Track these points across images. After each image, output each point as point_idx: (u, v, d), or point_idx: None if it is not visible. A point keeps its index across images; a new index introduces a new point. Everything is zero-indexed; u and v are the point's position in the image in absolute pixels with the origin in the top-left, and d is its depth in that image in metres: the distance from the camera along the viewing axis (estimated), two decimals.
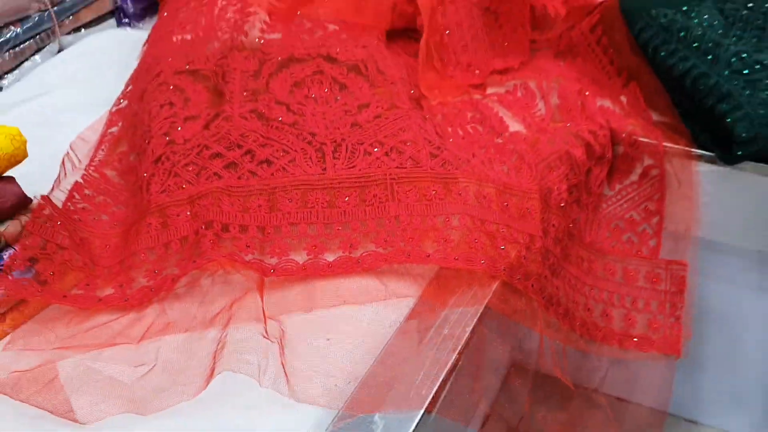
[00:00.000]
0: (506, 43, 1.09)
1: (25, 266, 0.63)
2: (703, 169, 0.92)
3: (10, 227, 0.65)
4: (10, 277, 0.62)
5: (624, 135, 0.93)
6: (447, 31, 1.04)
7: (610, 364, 0.91)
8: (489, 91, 1.01)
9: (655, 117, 0.97)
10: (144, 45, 1.10)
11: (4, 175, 0.66)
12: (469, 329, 0.64)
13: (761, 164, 0.89)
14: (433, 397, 0.58)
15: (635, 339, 0.88)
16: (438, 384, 0.59)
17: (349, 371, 0.59)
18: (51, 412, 0.54)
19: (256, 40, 0.95)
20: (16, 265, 0.62)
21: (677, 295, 0.90)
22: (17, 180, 0.67)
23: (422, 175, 0.72)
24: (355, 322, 0.63)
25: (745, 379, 1.09)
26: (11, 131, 0.66)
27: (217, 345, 0.59)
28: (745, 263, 0.98)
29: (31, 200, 0.68)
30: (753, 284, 1.00)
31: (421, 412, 0.57)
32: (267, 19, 1.00)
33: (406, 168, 0.72)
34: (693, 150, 0.93)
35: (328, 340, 0.61)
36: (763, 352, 1.05)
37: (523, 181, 0.77)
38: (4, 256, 0.64)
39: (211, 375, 0.56)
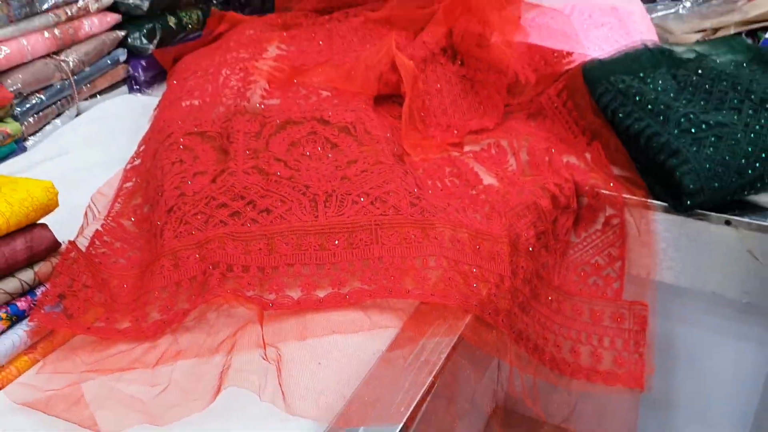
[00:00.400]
0: (482, 107, 1.20)
1: (54, 302, 0.72)
2: (660, 218, 1.02)
3: (43, 268, 0.74)
4: (42, 311, 0.71)
5: (587, 188, 1.03)
6: (428, 96, 1.16)
7: (578, 397, 0.99)
8: (466, 149, 1.12)
9: (616, 171, 1.07)
10: (155, 110, 1.21)
11: (38, 222, 0.75)
12: (443, 356, 0.73)
13: (711, 213, 0.99)
14: (411, 414, 0.67)
15: (602, 374, 0.96)
16: (415, 403, 0.67)
17: (338, 390, 0.67)
18: (79, 425, 0.63)
19: (257, 105, 1.06)
20: (47, 300, 0.72)
21: (640, 333, 0.98)
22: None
23: (403, 221, 0.82)
24: (343, 349, 0.71)
25: (711, 415, 1.16)
26: (45, 184, 0.75)
27: (223, 367, 0.67)
28: (701, 304, 1.07)
29: (60, 244, 0.77)
30: (710, 324, 1.09)
31: (400, 426, 0.65)
32: (267, 86, 1.12)
33: (388, 215, 0.82)
34: (650, 201, 1.02)
35: (320, 363, 0.69)
36: (725, 388, 1.13)
37: (493, 227, 0.86)
38: (38, 293, 0.73)
39: (218, 391, 0.65)
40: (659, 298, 1.02)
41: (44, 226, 0.75)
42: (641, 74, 1.13)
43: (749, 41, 1.50)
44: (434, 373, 0.71)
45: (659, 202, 1.02)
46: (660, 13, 1.63)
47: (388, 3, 1.37)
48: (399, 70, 1.12)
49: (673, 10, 1.65)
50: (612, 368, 0.96)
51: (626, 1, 1.54)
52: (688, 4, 1.65)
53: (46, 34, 1.18)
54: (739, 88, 1.07)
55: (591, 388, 0.95)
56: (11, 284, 0.71)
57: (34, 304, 0.72)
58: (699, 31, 1.58)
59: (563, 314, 0.95)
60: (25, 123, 1.16)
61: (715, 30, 1.57)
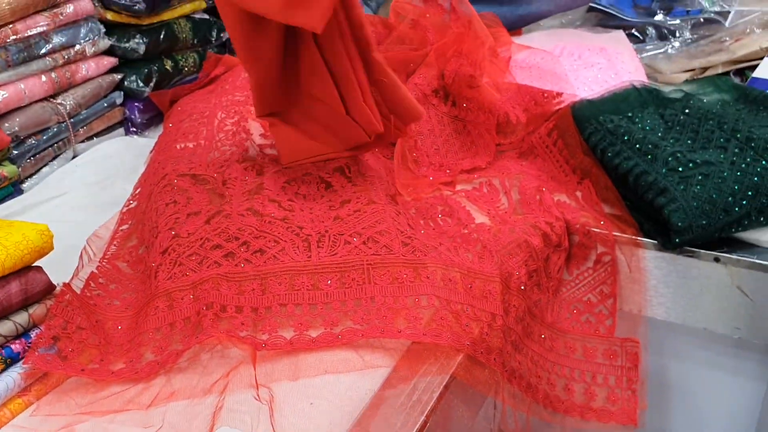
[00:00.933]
0: (474, 147, 1.22)
1: (49, 344, 0.72)
2: (650, 255, 1.03)
3: (38, 310, 0.75)
4: (36, 353, 0.71)
5: (578, 226, 1.05)
6: (420, 137, 1.18)
7: None
8: (458, 188, 1.14)
9: (606, 209, 1.09)
10: (151, 152, 1.23)
11: (33, 264, 0.76)
12: (436, 395, 0.73)
13: (699, 250, 1.00)
14: None
15: (596, 411, 0.96)
16: None
17: (330, 431, 0.67)
18: None
19: (253, 148, 1.08)
20: (41, 342, 0.72)
21: (632, 370, 0.99)
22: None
23: (395, 260, 0.83)
24: (335, 389, 0.72)
25: None
26: (40, 227, 0.76)
27: (216, 407, 0.67)
28: (693, 340, 1.08)
29: (54, 287, 0.78)
30: (704, 360, 1.09)
31: None
32: (262, 130, 1.13)
33: (380, 255, 0.83)
34: (640, 238, 1.04)
35: (312, 404, 0.70)
36: (719, 424, 1.13)
37: (485, 266, 0.87)
38: (32, 335, 0.73)
39: (211, 430, 0.65)
40: (651, 334, 1.03)
41: (39, 268, 0.76)
42: (629, 114, 1.15)
43: (737, 80, 1.54)
44: (426, 412, 0.71)
45: (649, 240, 1.03)
46: (649, 53, 1.66)
47: (380, 45, 1.39)
48: None
49: (662, 50, 1.68)
50: (605, 405, 0.96)
51: (615, 41, 1.58)
52: (677, 44, 1.68)
53: (44, 78, 1.20)
54: (725, 127, 1.10)
55: (585, 425, 0.95)
56: (6, 327, 0.71)
57: (28, 347, 0.72)
58: (687, 71, 1.61)
59: (556, 352, 0.95)
60: (22, 165, 1.17)
61: (704, 69, 1.60)
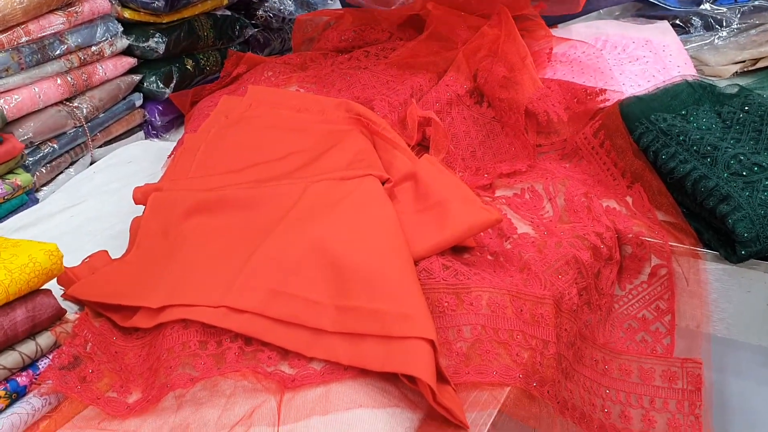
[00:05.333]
0: (513, 148, 1.14)
1: (69, 362, 0.67)
2: (711, 267, 0.95)
3: (46, 339, 0.68)
4: (56, 371, 0.66)
5: (631, 235, 0.96)
6: (454, 140, 1.10)
7: None
8: (497, 193, 1.06)
9: (660, 217, 1.00)
10: (170, 155, 1.17)
11: (42, 288, 0.70)
12: None
13: (766, 262, 0.91)
14: None
15: None
16: None
17: None
18: None
19: None
20: (61, 360, 0.67)
21: (695, 393, 0.90)
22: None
23: (435, 285, 0.75)
24: (370, 426, 0.64)
25: None
26: (49, 247, 0.70)
27: None
28: (758, 358, 0.99)
29: (65, 311, 0.72)
30: (766, 379, 1.01)
31: None
32: None
33: (420, 279, 0.75)
34: (699, 249, 0.95)
35: None
36: None
37: (534, 287, 0.79)
38: (40, 366, 0.67)
39: None
40: (715, 353, 0.94)
41: (48, 292, 0.70)
42: (683, 112, 1.06)
43: None
44: None
45: (709, 251, 0.95)
46: (694, 45, 1.56)
47: (408, 44, 1.32)
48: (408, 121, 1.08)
49: (708, 41, 1.58)
50: None
51: (660, 33, 1.48)
52: (724, 34, 1.58)
53: (59, 80, 1.15)
54: None
55: None
56: (11, 358, 0.65)
57: (35, 380, 0.66)
58: (737, 63, 1.51)
59: (610, 376, 0.87)
60: (37, 173, 1.12)
61: (755, 61, 1.50)
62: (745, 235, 0.88)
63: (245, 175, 0.96)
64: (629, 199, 1.03)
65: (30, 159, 1.10)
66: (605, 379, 0.87)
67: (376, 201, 0.84)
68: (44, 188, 1.14)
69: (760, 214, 0.89)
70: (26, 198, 1.09)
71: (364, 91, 1.19)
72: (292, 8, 1.60)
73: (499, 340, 0.73)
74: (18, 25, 1.08)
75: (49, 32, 1.12)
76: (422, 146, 1.11)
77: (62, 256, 0.71)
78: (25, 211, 1.07)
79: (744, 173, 0.93)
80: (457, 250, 0.86)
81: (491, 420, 0.67)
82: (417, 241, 0.80)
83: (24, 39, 1.08)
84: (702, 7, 1.61)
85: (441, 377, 0.67)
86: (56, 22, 1.13)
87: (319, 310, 0.72)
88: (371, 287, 0.71)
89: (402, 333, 0.67)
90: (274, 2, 1.58)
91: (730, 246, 0.91)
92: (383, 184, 0.90)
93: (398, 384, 0.69)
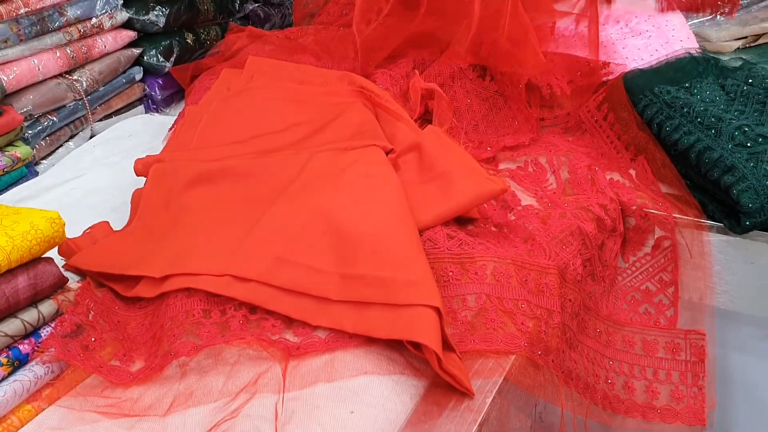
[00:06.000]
0: (516, 122, 1.13)
1: (71, 330, 0.67)
2: (714, 239, 0.95)
3: (48, 306, 0.68)
4: (58, 338, 0.65)
5: (634, 207, 0.96)
6: (457, 113, 1.09)
7: None
8: (501, 166, 1.05)
9: (663, 189, 1.00)
10: (171, 128, 1.16)
11: (43, 256, 0.69)
12: (488, 401, 0.66)
13: None
14: None
15: (659, 410, 0.88)
16: None
17: None
18: None
19: None
20: (63, 328, 0.67)
21: (698, 365, 0.90)
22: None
23: (440, 255, 0.75)
24: (376, 393, 0.64)
25: None
26: (51, 215, 0.69)
27: (238, 416, 0.61)
28: (761, 331, 0.99)
29: (67, 280, 0.71)
30: None
31: None
32: None
33: (425, 249, 0.75)
34: (703, 221, 0.95)
35: (352, 413, 0.62)
36: None
37: (539, 257, 0.79)
38: (42, 334, 0.67)
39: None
40: (717, 326, 0.94)
41: (49, 260, 0.69)
42: (687, 84, 1.06)
43: None
44: (479, 420, 0.64)
45: (713, 222, 0.94)
46: (697, 20, 1.55)
47: (410, 15, 1.30)
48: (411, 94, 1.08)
49: (710, 17, 1.57)
50: (669, 404, 0.88)
51: None
52: (726, 10, 1.57)
53: (58, 53, 1.13)
54: None
55: (648, 426, 0.87)
56: (13, 326, 0.65)
57: (38, 347, 0.66)
58: (739, 39, 1.50)
59: (614, 347, 0.87)
60: (36, 146, 1.11)
61: (757, 37, 1.49)
62: (750, 205, 0.88)
63: (248, 146, 0.95)
64: (633, 172, 1.03)
65: (29, 132, 1.09)
66: (609, 350, 0.87)
67: (380, 170, 0.83)
68: (44, 161, 1.13)
69: (764, 185, 0.88)
70: (26, 170, 1.08)
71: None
72: None
73: (504, 309, 0.73)
74: None
75: (48, 4, 1.10)
76: (425, 119, 1.10)
77: (64, 224, 0.70)
78: (25, 183, 1.06)
79: (748, 144, 0.93)
80: (462, 221, 0.86)
81: (496, 388, 0.67)
82: (421, 211, 0.79)
83: (23, 10, 1.07)
84: None
85: (446, 345, 0.67)
86: None
87: (324, 279, 0.71)
88: (376, 255, 0.70)
89: (407, 300, 0.66)
90: None
91: (735, 217, 0.91)
92: (387, 154, 0.90)
93: (403, 352, 0.69)
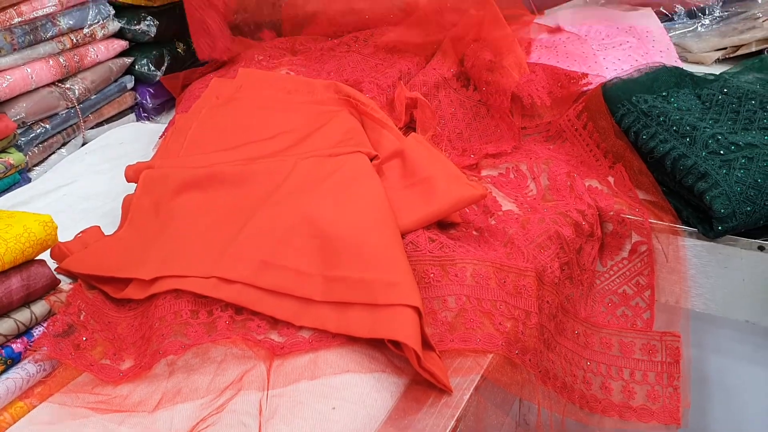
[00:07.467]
0: (498, 130, 1.16)
1: (63, 329, 0.69)
2: (689, 243, 0.97)
3: (40, 307, 0.70)
4: (51, 337, 0.67)
5: (612, 213, 0.99)
6: (442, 121, 1.12)
7: None
8: (483, 173, 1.08)
9: (641, 195, 1.03)
10: (161, 136, 1.18)
11: (36, 258, 0.71)
12: (466, 397, 0.68)
13: (743, 238, 0.94)
14: None
15: (635, 410, 0.91)
16: None
17: None
18: None
19: None
20: (55, 327, 0.69)
21: (673, 366, 0.93)
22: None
23: (421, 257, 0.77)
24: (358, 390, 0.67)
25: None
26: (44, 218, 0.72)
27: (223, 412, 0.63)
28: (735, 334, 1.02)
29: (59, 281, 0.73)
30: (746, 354, 1.03)
31: None
32: None
33: (406, 251, 0.77)
34: (678, 226, 0.98)
35: (333, 408, 0.65)
36: (761, 421, 1.07)
37: (517, 260, 0.82)
38: (34, 333, 0.69)
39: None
40: (693, 328, 0.97)
41: (42, 262, 0.71)
42: (664, 93, 1.09)
43: None
44: (456, 416, 0.66)
45: (688, 227, 0.97)
46: (678, 32, 1.59)
47: (396, 28, 1.33)
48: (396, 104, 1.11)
49: (691, 29, 1.61)
50: (646, 404, 0.91)
51: (644, 19, 1.51)
52: (706, 22, 1.61)
53: (51, 62, 1.16)
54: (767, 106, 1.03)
55: (625, 425, 0.89)
56: (6, 325, 0.67)
57: (30, 346, 0.68)
58: (719, 50, 1.54)
59: (591, 348, 0.90)
60: (29, 153, 1.13)
61: (736, 48, 1.53)
62: (722, 211, 0.91)
63: (236, 153, 0.97)
64: (611, 179, 1.06)
65: (22, 139, 1.12)
66: (586, 351, 0.90)
67: (364, 175, 0.86)
68: (36, 168, 1.16)
69: (736, 191, 0.91)
70: (18, 177, 1.10)
71: (353, 74, 1.21)
72: None
73: (482, 309, 0.75)
74: (11, 6, 1.09)
75: (41, 14, 1.13)
76: (410, 127, 1.13)
77: (56, 227, 0.73)
78: (18, 189, 1.09)
79: (721, 152, 0.96)
80: (444, 225, 0.88)
81: (474, 385, 0.69)
82: (404, 215, 0.82)
83: (17, 20, 1.09)
84: None
85: (426, 344, 0.69)
86: (48, 3, 1.14)
87: (308, 281, 0.74)
88: (358, 257, 0.73)
89: (388, 300, 0.69)
90: None
91: (708, 222, 0.94)
92: (371, 161, 0.92)
93: (384, 351, 0.71)
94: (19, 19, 1.10)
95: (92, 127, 1.27)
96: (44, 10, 1.13)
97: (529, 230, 0.90)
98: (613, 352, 0.92)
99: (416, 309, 0.68)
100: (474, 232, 0.90)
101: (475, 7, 1.26)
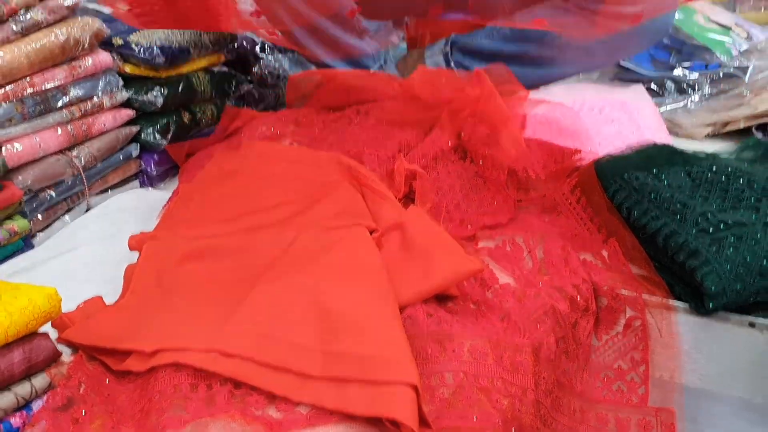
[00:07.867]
0: (495, 202, 1.19)
1: (62, 403, 0.69)
2: (682, 319, 0.99)
3: (41, 380, 0.71)
4: (50, 411, 0.68)
5: (606, 288, 1.01)
6: (440, 193, 1.15)
7: None
8: (480, 244, 1.10)
9: (634, 270, 1.04)
10: (165, 206, 1.21)
11: (39, 331, 0.73)
12: None
13: (734, 315, 0.96)
14: None
15: None
16: None
17: None
18: None
19: None
20: (55, 401, 0.69)
21: None
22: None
23: (419, 333, 0.79)
24: None
25: None
26: (49, 291, 0.73)
27: None
28: (730, 410, 1.02)
29: (60, 354, 0.74)
30: (741, 430, 1.03)
31: None
32: None
33: (404, 326, 0.79)
34: (671, 301, 0.99)
35: None
36: None
37: (514, 336, 0.83)
38: (33, 407, 0.70)
39: None
40: (688, 404, 0.97)
41: (45, 335, 0.73)
42: (655, 170, 1.12)
43: (759, 135, 1.51)
44: None
45: (680, 303, 0.99)
46: (669, 107, 1.65)
47: (395, 102, 1.38)
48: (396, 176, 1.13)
49: (682, 105, 1.66)
50: None
51: (636, 95, 1.56)
52: (696, 98, 1.66)
53: (59, 130, 1.19)
54: (755, 186, 1.06)
55: None
56: (6, 399, 0.67)
57: (28, 421, 0.68)
58: (708, 125, 1.59)
59: (587, 424, 0.90)
60: (34, 219, 1.15)
61: (725, 124, 1.58)
62: (713, 288, 0.92)
63: (237, 223, 1.00)
64: (605, 253, 1.08)
65: (27, 206, 1.13)
66: (582, 427, 0.90)
67: (363, 249, 0.88)
68: (40, 234, 1.17)
69: (726, 269, 0.93)
70: (22, 244, 1.12)
71: (354, 146, 1.24)
72: (286, 66, 1.67)
73: (479, 386, 0.76)
74: (23, 77, 1.12)
75: (52, 85, 1.16)
76: (409, 198, 1.15)
77: (61, 300, 0.74)
78: (21, 255, 1.10)
79: (711, 230, 0.98)
80: (441, 298, 0.90)
81: None
82: (402, 289, 0.84)
83: (29, 91, 1.13)
84: (675, 72, 1.70)
85: (423, 421, 0.70)
86: (60, 75, 1.18)
87: (307, 355, 0.75)
88: (357, 333, 0.74)
89: (386, 377, 0.70)
90: (270, 60, 1.65)
91: (700, 299, 0.96)
92: (371, 233, 0.95)
93: (382, 428, 0.72)
94: (31, 90, 1.13)
95: (97, 194, 1.29)
96: (56, 81, 1.17)
97: (525, 304, 0.91)
98: (610, 428, 0.92)
99: (414, 387, 0.69)
100: (471, 306, 0.91)
101: (471, 84, 1.30)
